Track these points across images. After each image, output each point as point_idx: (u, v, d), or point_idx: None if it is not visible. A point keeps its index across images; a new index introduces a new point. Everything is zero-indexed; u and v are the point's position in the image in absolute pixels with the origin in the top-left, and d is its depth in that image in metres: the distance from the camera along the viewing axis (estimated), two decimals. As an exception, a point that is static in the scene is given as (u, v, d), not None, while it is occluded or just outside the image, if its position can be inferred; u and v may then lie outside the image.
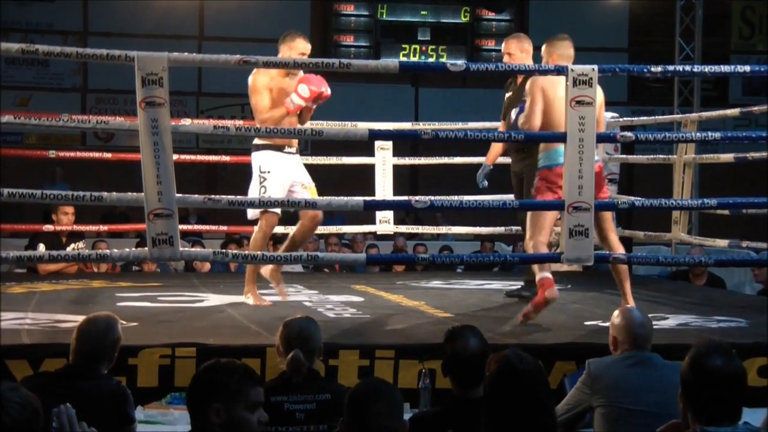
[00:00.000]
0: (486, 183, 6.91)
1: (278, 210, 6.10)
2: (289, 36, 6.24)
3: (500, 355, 2.94)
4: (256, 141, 6.22)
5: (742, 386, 2.94)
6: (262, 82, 6.15)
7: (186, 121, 8.59)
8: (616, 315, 4.05)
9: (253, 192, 6.12)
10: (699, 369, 2.90)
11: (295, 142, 6.27)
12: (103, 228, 9.64)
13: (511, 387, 2.85)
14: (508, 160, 6.91)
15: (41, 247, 7.76)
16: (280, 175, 6.14)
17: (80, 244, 8.31)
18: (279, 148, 6.18)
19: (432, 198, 6.09)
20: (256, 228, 6.22)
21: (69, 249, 7.99)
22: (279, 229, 8.88)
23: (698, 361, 2.92)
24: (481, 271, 8.69)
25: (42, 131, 14.76)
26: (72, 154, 9.53)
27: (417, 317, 5.72)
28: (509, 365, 2.89)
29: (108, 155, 9.36)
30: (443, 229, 9.42)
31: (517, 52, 6.43)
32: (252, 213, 6.20)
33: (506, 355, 2.93)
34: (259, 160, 6.18)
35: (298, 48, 6.19)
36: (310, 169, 6.82)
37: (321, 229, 9.55)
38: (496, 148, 6.94)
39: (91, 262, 8.39)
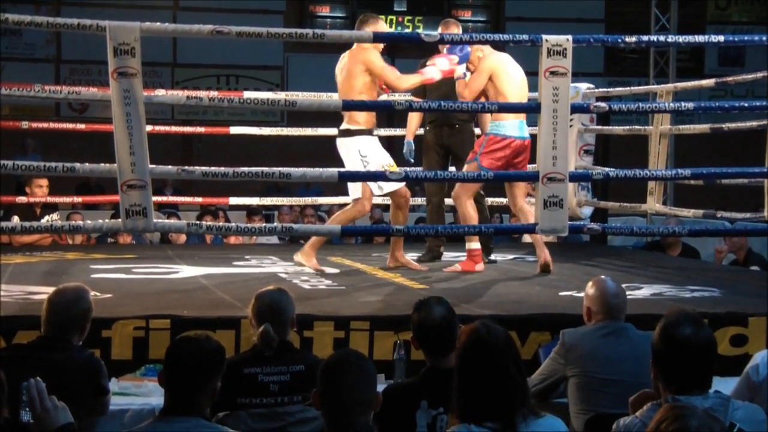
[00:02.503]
0: (412, 159, 7.06)
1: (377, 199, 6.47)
2: (372, 18, 6.34)
3: (470, 327, 2.95)
4: (349, 126, 6.32)
5: (712, 355, 2.96)
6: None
7: (160, 92, 8.53)
8: (590, 285, 4.06)
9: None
10: (669, 338, 2.92)
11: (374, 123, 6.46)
12: (78, 200, 9.59)
13: (479, 358, 2.86)
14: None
15: (15, 219, 7.70)
16: (378, 158, 6.28)
17: (54, 216, 8.26)
18: (370, 132, 6.35)
19: (407, 169, 6.11)
20: (351, 207, 6.39)
21: (43, 221, 7.94)
22: (254, 201, 8.89)
23: (669, 331, 2.94)
24: (457, 242, 8.70)
25: (15, 102, 14.62)
26: (45, 125, 9.47)
27: (392, 289, 5.73)
28: (478, 337, 2.89)
29: (81, 126, 9.28)
30: (418, 201, 9.42)
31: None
32: (357, 194, 6.33)
33: (475, 326, 2.93)
34: (358, 144, 6.30)
35: (383, 28, 6.45)
36: (286, 140, 6.82)
37: (297, 200, 9.58)
38: (414, 124, 7.17)
39: (65, 234, 8.34)
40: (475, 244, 6.51)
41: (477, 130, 7.16)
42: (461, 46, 6.35)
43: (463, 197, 6.45)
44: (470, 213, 6.44)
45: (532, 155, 5.70)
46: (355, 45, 6.28)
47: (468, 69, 6.46)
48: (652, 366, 2.97)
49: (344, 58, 6.35)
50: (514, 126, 6.33)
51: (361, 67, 6.22)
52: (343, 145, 6.36)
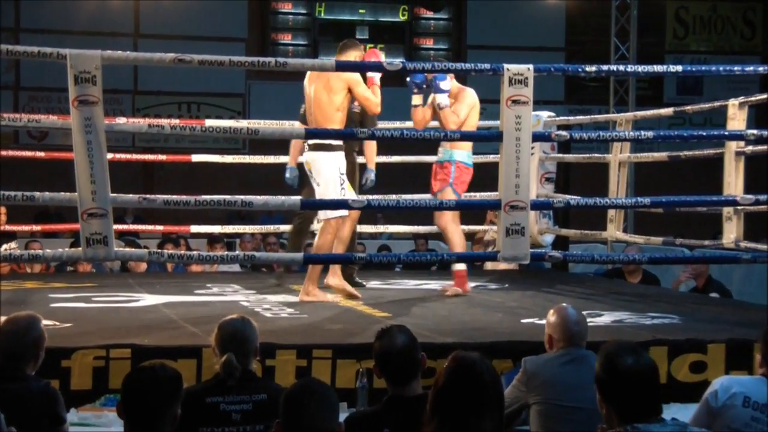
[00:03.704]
0: (296, 185, 7.08)
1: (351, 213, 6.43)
2: (354, 45, 6.49)
3: (461, 355, 2.94)
4: (329, 141, 6.24)
5: (656, 381, 2.99)
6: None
7: (121, 120, 8.50)
8: (551, 313, 4.08)
9: (334, 193, 6.16)
10: (612, 370, 2.96)
11: None
12: (37, 228, 9.51)
13: (460, 388, 2.84)
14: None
15: (-27, 248, 7.64)
16: (346, 176, 6.33)
17: (12, 245, 8.19)
18: (342, 149, 6.33)
19: (369, 197, 6.12)
20: (324, 229, 6.29)
21: (1, 249, 7.87)
22: (216, 229, 8.85)
23: (610, 363, 2.98)
24: (419, 270, 8.72)
25: (-26, 130, 14.52)
26: (4, 153, 9.39)
27: (355, 317, 5.72)
28: (464, 368, 2.88)
29: (41, 154, 9.22)
30: (381, 228, 9.44)
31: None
32: (332, 214, 6.27)
33: (467, 356, 2.93)
34: (337, 161, 6.26)
35: (361, 56, 6.46)
36: (248, 167, 6.81)
37: (259, 229, 9.56)
38: (296, 150, 7.15)
39: (24, 263, 8.26)
40: (461, 265, 6.71)
41: (360, 159, 7.22)
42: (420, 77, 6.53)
43: (452, 225, 6.60)
44: (459, 241, 6.64)
45: (494, 183, 5.73)
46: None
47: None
48: (599, 401, 2.99)
49: (321, 74, 6.30)
50: (470, 155, 6.70)
51: (342, 85, 6.24)
52: (320, 160, 6.25)
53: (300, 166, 7.04)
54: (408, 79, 6.69)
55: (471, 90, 6.68)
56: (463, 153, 6.62)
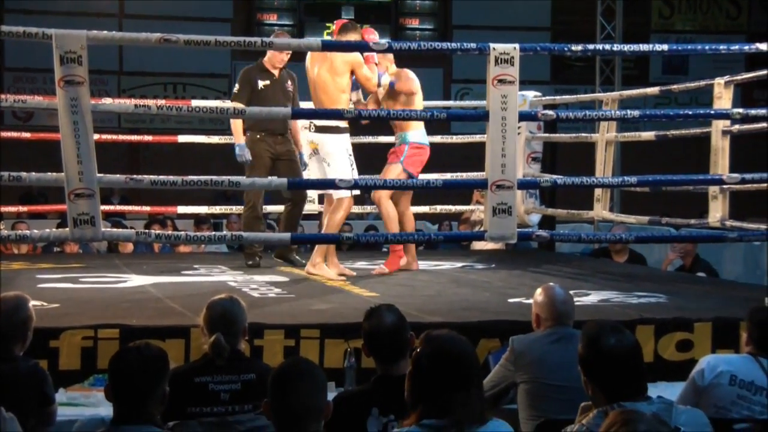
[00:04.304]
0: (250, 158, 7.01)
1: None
2: (353, 28, 6.54)
3: (433, 336, 2.94)
4: (336, 123, 6.34)
5: (640, 359, 3.01)
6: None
7: (107, 100, 8.47)
8: (538, 293, 4.09)
9: (345, 173, 6.25)
10: (596, 351, 2.98)
11: None
12: (23, 209, 9.48)
13: (442, 368, 2.85)
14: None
15: (-42, 229, 7.62)
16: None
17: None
18: (349, 131, 6.48)
19: (356, 177, 6.13)
20: (337, 207, 6.42)
21: (-13, 230, 7.85)
22: (203, 210, 8.84)
23: (594, 344, 3.00)
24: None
25: (-42, 110, 14.47)
26: (-10, 133, 9.36)
27: (342, 297, 5.73)
28: (442, 347, 2.88)
29: (27, 135, 9.19)
30: (368, 209, 9.43)
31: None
32: (344, 193, 6.38)
33: (439, 336, 2.93)
34: (346, 142, 6.42)
35: (359, 38, 6.47)
36: (233, 148, 6.81)
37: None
38: (241, 127, 7.06)
39: (11, 243, 8.25)
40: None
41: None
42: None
43: (384, 198, 6.66)
44: (390, 213, 6.66)
45: (481, 162, 5.74)
46: None
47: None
48: (584, 382, 3.01)
49: (325, 56, 6.38)
50: (425, 134, 6.77)
51: (347, 67, 6.36)
52: (330, 142, 6.38)
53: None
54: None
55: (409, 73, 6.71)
56: (416, 133, 6.71)
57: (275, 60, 7.05)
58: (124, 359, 3.03)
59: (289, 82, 7.14)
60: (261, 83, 7.00)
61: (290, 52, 7.01)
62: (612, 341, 2.97)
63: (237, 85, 7.06)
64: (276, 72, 7.07)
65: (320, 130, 6.39)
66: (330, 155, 6.38)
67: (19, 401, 3.42)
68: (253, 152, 6.94)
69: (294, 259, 7.13)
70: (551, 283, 4.20)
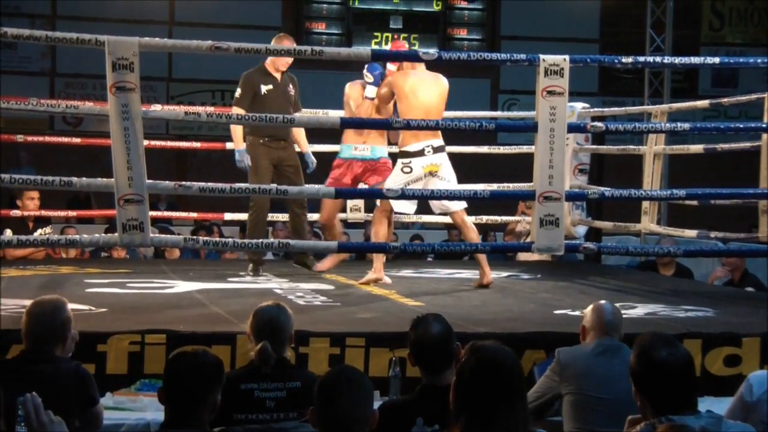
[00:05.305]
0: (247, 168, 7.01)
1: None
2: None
3: (478, 346, 2.92)
4: (442, 143, 6.44)
5: (692, 373, 2.98)
6: None
7: (157, 107, 8.53)
8: (588, 307, 4.08)
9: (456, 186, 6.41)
10: (648, 362, 2.95)
11: None
12: (72, 214, 9.57)
13: (486, 379, 2.83)
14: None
15: (8, 233, 7.69)
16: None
17: (48, 230, 8.25)
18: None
19: (403, 187, 6.13)
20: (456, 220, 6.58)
21: (36, 234, 7.92)
22: (243, 216, 8.87)
23: (646, 355, 2.97)
24: (451, 259, 8.72)
25: (10, 115, 14.61)
26: (41, 138, 9.45)
27: (387, 306, 5.73)
28: (487, 358, 2.86)
29: (77, 140, 9.28)
30: (414, 218, 9.43)
31: None
32: (458, 205, 6.46)
33: (484, 346, 2.91)
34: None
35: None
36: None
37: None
38: (242, 134, 7.04)
39: (61, 247, 8.33)
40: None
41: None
42: (378, 68, 6.67)
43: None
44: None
45: (528, 173, 5.71)
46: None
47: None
48: (635, 393, 2.98)
49: (436, 77, 6.51)
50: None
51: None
52: (446, 161, 6.44)
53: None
54: (366, 70, 6.72)
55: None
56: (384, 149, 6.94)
57: (279, 63, 7.00)
58: (181, 363, 3.05)
59: (291, 86, 7.09)
60: (264, 88, 6.95)
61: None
62: (664, 353, 2.95)
63: (239, 89, 6.98)
64: (278, 76, 7.02)
65: (438, 150, 6.39)
66: (447, 172, 6.41)
67: (62, 402, 3.43)
68: (253, 157, 6.91)
69: (310, 263, 7.21)
70: (602, 300, 4.19)
